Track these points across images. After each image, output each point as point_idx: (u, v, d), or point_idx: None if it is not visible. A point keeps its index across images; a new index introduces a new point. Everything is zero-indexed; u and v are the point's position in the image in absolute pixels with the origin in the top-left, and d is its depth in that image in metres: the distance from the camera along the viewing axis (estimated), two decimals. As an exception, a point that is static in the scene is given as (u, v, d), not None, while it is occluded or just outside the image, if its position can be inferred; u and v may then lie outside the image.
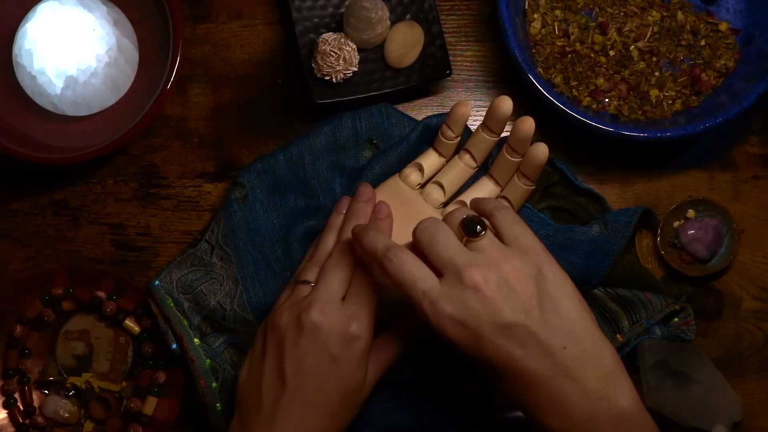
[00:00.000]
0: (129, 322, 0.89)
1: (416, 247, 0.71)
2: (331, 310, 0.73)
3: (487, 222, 0.72)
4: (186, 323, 0.85)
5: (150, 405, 0.88)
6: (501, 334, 0.67)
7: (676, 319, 0.86)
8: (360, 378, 0.74)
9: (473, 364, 0.71)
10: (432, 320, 0.69)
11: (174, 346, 0.85)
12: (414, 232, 0.72)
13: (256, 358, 0.76)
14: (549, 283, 0.70)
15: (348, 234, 0.77)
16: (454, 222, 0.72)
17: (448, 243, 0.70)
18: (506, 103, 0.81)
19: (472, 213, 0.72)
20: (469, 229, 0.70)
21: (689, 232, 0.87)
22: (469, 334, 0.68)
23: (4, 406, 0.89)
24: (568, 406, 0.67)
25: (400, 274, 0.70)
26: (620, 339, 0.84)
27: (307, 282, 0.77)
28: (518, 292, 0.68)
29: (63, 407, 0.89)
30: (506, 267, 0.69)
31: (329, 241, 0.80)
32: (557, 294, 0.69)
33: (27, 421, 0.89)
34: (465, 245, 0.70)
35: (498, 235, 0.72)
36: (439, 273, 0.70)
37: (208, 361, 0.84)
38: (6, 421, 0.89)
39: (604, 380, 0.68)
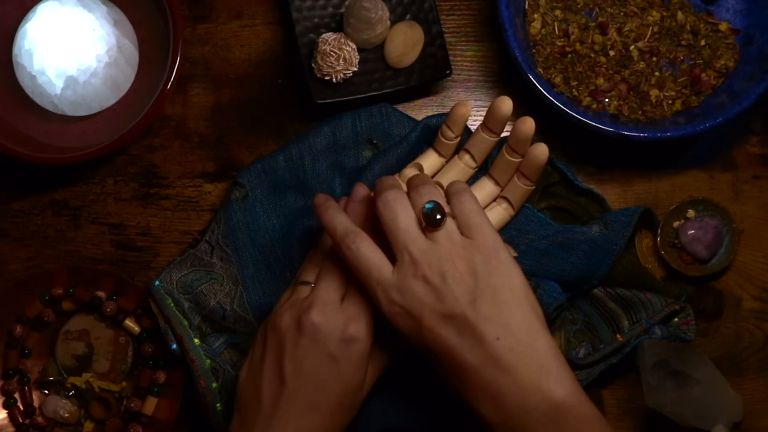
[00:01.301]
0: (129, 322, 0.89)
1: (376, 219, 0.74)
2: (330, 311, 0.74)
3: (447, 209, 0.73)
4: (186, 323, 0.85)
5: (150, 405, 0.88)
6: (440, 323, 0.70)
7: (676, 319, 0.86)
8: (359, 379, 0.74)
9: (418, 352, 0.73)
10: (384, 308, 0.72)
11: (174, 346, 0.85)
12: (376, 201, 0.74)
13: (255, 358, 0.76)
14: (494, 275, 0.71)
15: (360, 243, 0.77)
16: (417, 204, 0.73)
17: (407, 228, 0.72)
18: (506, 104, 0.81)
19: (435, 199, 0.73)
20: (429, 219, 0.72)
21: (689, 232, 0.87)
22: (413, 322, 0.71)
23: (4, 406, 0.89)
24: (500, 396, 0.69)
25: (357, 262, 0.72)
26: (620, 339, 0.84)
27: (306, 283, 0.77)
28: (461, 284, 0.70)
29: (63, 407, 0.89)
30: (456, 259, 0.71)
31: (328, 241, 0.80)
32: (500, 286, 0.71)
33: (27, 421, 0.89)
34: (423, 231, 0.72)
35: (455, 219, 0.74)
36: (393, 256, 0.72)
37: (208, 361, 0.84)
38: (6, 421, 0.89)
39: (538, 373, 0.69)
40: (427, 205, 0.72)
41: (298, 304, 0.75)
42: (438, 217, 0.72)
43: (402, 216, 0.72)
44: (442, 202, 0.73)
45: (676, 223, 0.88)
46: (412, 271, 0.71)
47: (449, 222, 0.72)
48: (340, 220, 0.74)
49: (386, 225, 0.72)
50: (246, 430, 0.74)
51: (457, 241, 0.72)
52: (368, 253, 0.72)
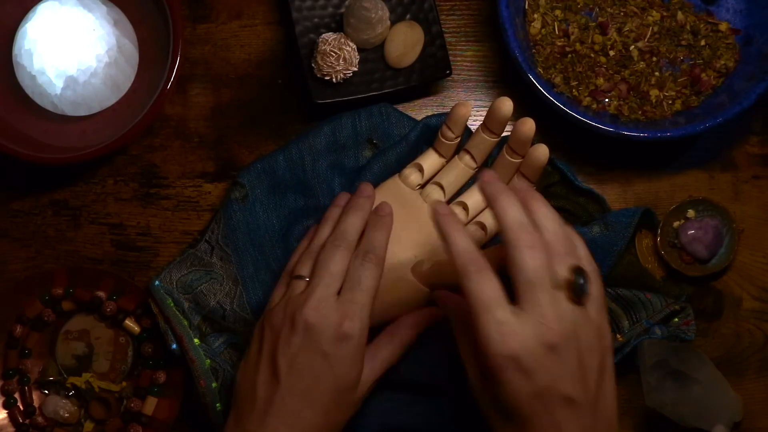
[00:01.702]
0: (129, 322, 0.89)
1: (504, 247, 0.67)
2: (324, 308, 0.73)
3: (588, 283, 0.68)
4: (186, 323, 0.85)
5: (150, 405, 0.88)
6: (559, 402, 0.65)
7: (676, 319, 0.86)
8: (353, 376, 0.74)
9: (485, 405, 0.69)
10: (491, 350, 0.64)
11: (174, 346, 0.85)
12: (509, 240, 0.66)
13: (252, 356, 0.76)
14: (608, 371, 0.68)
15: (344, 226, 0.77)
16: (557, 264, 0.66)
17: (544, 284, 0.65)
18: (506, 105, 0.80)
19: (582, 265, 0.67)
20: (576, 291, 0.66)
21: (689, 232, 0.87)
22: (526, 385, 0.64)
23: (4, 406, 0.89)
24: None
25: (476, 294, 0.65)
26: (620, 339, 0.84)
27: (301, 277, 0.77)
28: (587, 371, 0.66)
29: (63, 407, 0.89)
30: (584, 340, 0.66)
31: (325, 233, 0.80)
32: (609, 384, 0.68)
33: (27, 421, 0.89)
34: (556, 288, 0.66)
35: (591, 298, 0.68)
36: (517, 296, 0.66)
37: (208, 361, 0.84)
38: (6, 421, 0.89)
39: None
40: (580, 280, 0.66)
41: (293, 301, 0.75)
42: (587, 290, 0.66)
43: (540, 269, 0.65)
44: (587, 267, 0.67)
45: (676, 223, 0.88)
46: (542, 331, 0.64)
47: (594, 296, 0.67)
48: (465, 244, 0.67)
49: (523, 273, 0.65)
50: (241, 426, 0.74)
51: (596, 322, 0.67)
52: (491, 287, 0.65)
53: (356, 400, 0.76)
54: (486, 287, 0.65)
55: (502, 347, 0.64)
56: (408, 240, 0.80)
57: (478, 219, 0.83)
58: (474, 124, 0.87)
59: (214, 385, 0.84)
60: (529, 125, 0.80)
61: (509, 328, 0.64)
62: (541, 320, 0.64)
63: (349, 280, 0.75)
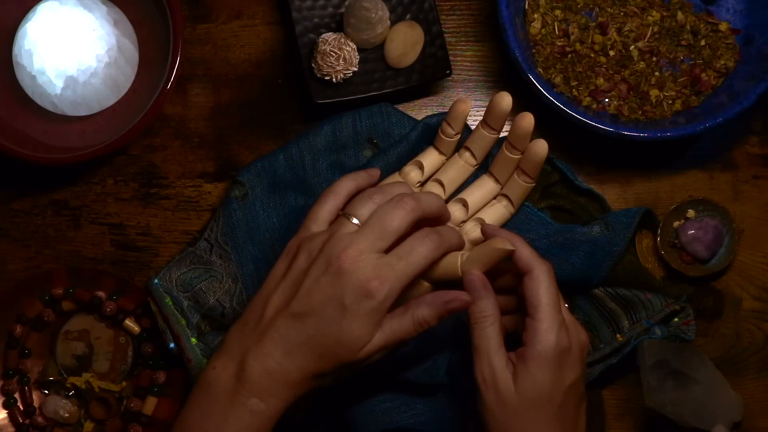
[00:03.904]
0: (129, 322, 0.89)
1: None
2: (363, 261, 0.70)
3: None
4: (183, 322, 0.85)
5: (150, 405, 0.88)
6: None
7: (676, 319, 0.86)
8: (359, 336, 0.71)
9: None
10: (477, 374, 0.73)
11: (172, 345, 0.85)
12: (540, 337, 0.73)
13: (276, 276, 0.74)
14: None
15: (423, 196, 0.74)
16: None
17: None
18: (505, 99, 0.81)
19: None
20: None
21: (689, 232, 0.87)
22: (501, 406, 0.73)
23: (4, 406, 0.89)
24: None
25: (480, 342, 0.74)
26: (620, 339, 0.84)
27: (352, 218, 0.74)
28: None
29: (63, 407, 0.89)
30: None
31: (399, 188, 0.76)
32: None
33: (27, 421, 0.89)
34: None
35: None
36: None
37: (205, 360, 0.84)
38: (6, 421, 0.89)
39: None
40: None
41: (337, 240, 0.72)
42: None
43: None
44: None
45: (676, 223, 0.88)
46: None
47: None
48: (487, 300, 0.74)
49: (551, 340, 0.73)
50: (242, 337, 0.73)
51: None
52: (496, 346, 0.73)
53: (354, 362, 0.72)
54: (489, 345, 0.74)
55: (491, 393, 0.73)
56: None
57: (477, 216, 0.83)
58: (474, 123, 0.86)
59: (213, 384, 0.84)
60: (528, 119, 0.80)
61: (502, 385, 0.73)
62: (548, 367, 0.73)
63: (401, 247, 0.72)
